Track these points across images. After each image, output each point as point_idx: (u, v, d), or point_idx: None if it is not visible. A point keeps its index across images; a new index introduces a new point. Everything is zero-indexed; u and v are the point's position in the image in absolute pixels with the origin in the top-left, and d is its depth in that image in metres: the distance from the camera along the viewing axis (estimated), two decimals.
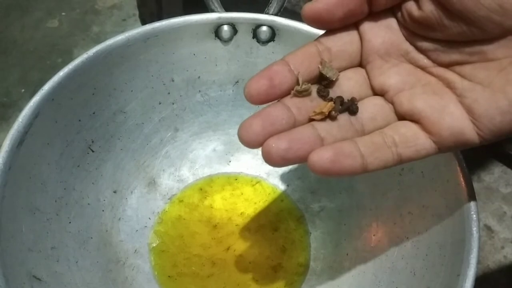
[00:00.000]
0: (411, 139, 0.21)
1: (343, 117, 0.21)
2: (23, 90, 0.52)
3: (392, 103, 0.22)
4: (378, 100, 0.22)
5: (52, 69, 0.28)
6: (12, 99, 0.52)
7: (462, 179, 0.27)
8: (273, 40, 0.33)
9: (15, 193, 0.27)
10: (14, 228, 0.26)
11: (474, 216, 0.26)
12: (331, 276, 0.33)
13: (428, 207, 0.29)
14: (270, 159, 0.20)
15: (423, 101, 0.21)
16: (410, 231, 0.30)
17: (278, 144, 0.20)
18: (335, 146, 0.20)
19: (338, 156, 0.20)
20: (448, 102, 0.21)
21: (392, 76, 0.22)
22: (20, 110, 0.28)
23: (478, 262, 0.25)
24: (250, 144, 0.20)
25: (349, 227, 0.34)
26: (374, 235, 0.32)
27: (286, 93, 0.21)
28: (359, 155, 0.20)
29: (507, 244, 0.46)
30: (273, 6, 0.33)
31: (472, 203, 0.26)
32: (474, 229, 0.26)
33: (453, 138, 0.21)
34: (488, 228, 0.47)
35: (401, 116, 0.22)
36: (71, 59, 0.30)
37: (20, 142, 0.27)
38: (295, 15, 0.32)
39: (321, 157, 0.19)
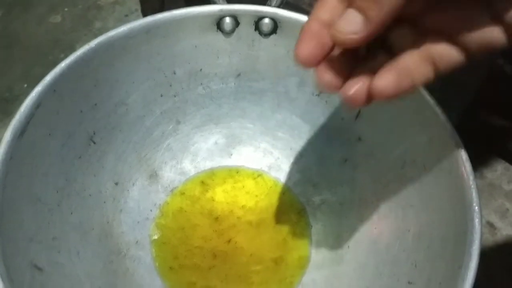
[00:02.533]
0: (442, 52, 0.21)
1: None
2: (25, 85, 0.52)
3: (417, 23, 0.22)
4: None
5: (55, 65, 0.28)
6: (14, 94, 0.52)
7: (464, 171, 0.27)
8: (275, 33, 0.33)
9: (17, 183, 0.26)
10: (15, 218, 0.26)
11: (476, 208, 0.26)
12: (332, 268, 0.32)
13: (430, 199, 0.29)
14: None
15: (449, 12, 0.21)
16: (411, 223, 0.30)
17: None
18: (396, 68, 0.21)
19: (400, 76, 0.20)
20: (476, 9, 0.20)
21: None
22: None
23: (480, 258, 0.25)
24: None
25: (350, 220, 0.34)
26: (375, 228, 0.32)
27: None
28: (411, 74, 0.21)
29: (509, 241, 0.46)
30: None
31: (474, 195, 0.26)
32: (476, 221, 0.25)
33: (481, 41, 0.21)
34: (491, 225, 0.47)
35: (428, 31, 0.21)
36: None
37: (21, 133, 0.27)
38: (297, 7, 0.32)
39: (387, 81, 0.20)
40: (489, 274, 0.44)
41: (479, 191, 0.27)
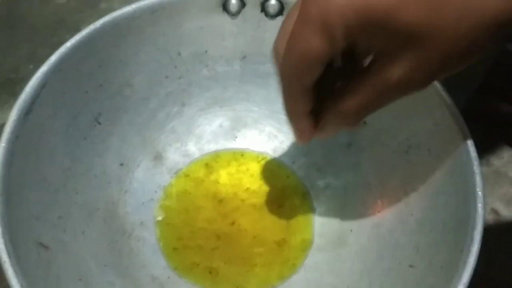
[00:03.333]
0: None
1: None
2: (31, 66, 0.52)
3: None
4: None
5: (60, 45, 0.28)
6: (20, 75, 0.52)
7: (468, 156, 0.27)
8: (282, 14, 0.32)
9: (23, 162, 0.27)
10: (22, 197, 0.26)
11: (480, 193, 0.26)
12: (334, 251, 0.33)
13: (434, 184, 0.29)
14: None
15: None
16: (414, 208, 0.30)
17: None
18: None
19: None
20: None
21: None
22: None
23: (484, 245, 0.25)
24: None
25: (353, 204, 0.34)
26: (378, 212, 0.32)
27: None
28: None
29: None
30: None
31: (478, 180, 0.26)
32: (479, 206, 0.26)
33: None
34: (495, 212, 0.47)
35: None
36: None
37: (27, 112, 0.27)
38: None
39: None
40: (493, 261, 0.44)
41: (485, 178, 0.27)
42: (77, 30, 0.52)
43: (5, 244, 0.23)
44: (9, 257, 0.23)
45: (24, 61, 0.53)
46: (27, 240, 0.25)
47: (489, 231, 0.45)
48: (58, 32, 0.54)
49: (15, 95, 0.51)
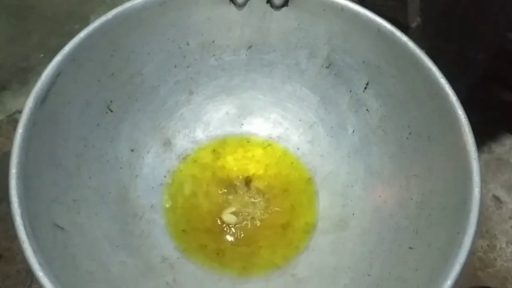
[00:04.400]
0: None
1: None
2: (42, 55, 0.53)
3: None
4: None
5: (70, 35, 0.29)
6: (31, 64, 0.53)
7: (466, 142, 0.28)
8: (287, 5, 0.33)
9: (39, 148, 0.28)
10: (38, 181, 0.27)
11: (477, 178, 0.27)
12: (337, 234, 0.34)
13: (433, 170, 0.30)
14: None
15: None
16: (414, 192, 0.31)
17: None
18: None
19: None
20: None
21: None
22: (39, 75, 0.28)
23: (485, 231, 0.26)
24: None
25: (356, 188, 0.35)
26: (380, 196, 0.33)
27: None
28: None
29: None
30: None
31: (475, 166, 0.27)
32: (476, 190, 0.26)
33: None
34: (497, 198, 0.48)
35: None
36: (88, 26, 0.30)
37: (43, 100, 0.28)
38: None
39: None
40: (493, 246, 0.45)
41: (487, 165, 0.27)
42: (86, 20, 0.53)
43: (24, 225, 0.24)
44: (28, 237, 0.24)
45: (35, 50, 0.54)
46: (44, 222, 0.27)
47: (490, 218, 0.45)
48: (68, 22, 0.55)
49: (26, 83, 0.52)
